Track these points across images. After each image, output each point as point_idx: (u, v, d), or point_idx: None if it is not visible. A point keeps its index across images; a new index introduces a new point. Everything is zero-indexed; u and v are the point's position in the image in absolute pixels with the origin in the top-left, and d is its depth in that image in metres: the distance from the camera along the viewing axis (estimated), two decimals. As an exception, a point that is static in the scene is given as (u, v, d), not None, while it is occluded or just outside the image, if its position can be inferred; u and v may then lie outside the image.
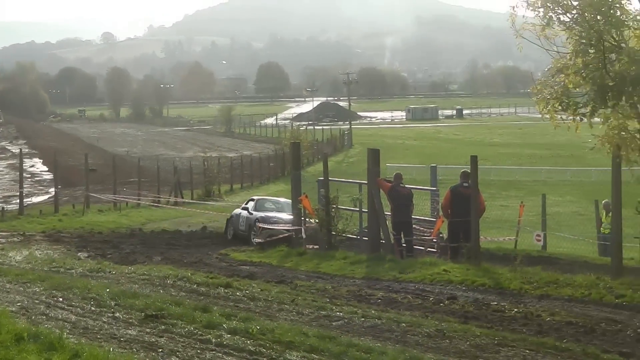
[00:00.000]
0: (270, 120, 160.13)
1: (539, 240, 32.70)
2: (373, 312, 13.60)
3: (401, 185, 23.95)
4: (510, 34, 20.13)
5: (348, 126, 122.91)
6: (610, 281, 17.30)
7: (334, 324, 12.49)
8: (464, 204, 22.40)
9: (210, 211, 39.96)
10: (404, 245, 23.50)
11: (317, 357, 10.01)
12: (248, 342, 10.43)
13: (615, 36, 19.19)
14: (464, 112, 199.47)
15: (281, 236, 26.31)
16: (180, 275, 16.77)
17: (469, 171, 23.31)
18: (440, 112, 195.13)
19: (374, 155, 24.26)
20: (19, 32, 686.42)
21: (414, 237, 24.32)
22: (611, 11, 18.93)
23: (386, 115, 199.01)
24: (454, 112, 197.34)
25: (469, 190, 22.56)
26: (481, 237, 29.79)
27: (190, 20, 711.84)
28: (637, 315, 14.17)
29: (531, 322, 13.46)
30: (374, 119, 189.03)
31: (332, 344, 10.55)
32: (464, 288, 17.16)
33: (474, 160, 21.48)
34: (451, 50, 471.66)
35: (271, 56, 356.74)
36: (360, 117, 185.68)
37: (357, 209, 26.04)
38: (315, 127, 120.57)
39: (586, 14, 18.89)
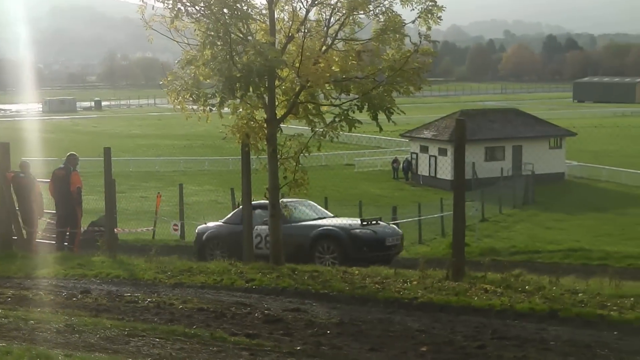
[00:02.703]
0: None
1: (176, 230, 33.19)
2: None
3: (21, 175, 23.55)
4: (143, 25, 20.26)
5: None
6: (242, 266, 17.84)
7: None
8: (59, 185, 23.65)
9: None
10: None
11: None
12: None
13: (242, 29, 19.74)
14: (103, 103, 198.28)
15: None
16: None
17: (74, 154, 23.86)
18: (78, 104, 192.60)
19: (3, 149, 23.62)
20: None
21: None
22: (237, 4, 19.44)
23: (21, 107, 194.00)
24: (93, 104, 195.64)
25: (62, 171, 23.82)
26: (119, 228, 29.89)
27: None
28: (265, 298, 14.70)
29: (163, 311, 13.62)
30: (7, 112, 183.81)
31: None
32: (98, 281, 17.04)
33: (107, 152, 21.40)
34: (89, 41, 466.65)
35: None
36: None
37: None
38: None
39: (213, 7, 19.28)
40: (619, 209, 62.67)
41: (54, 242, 23.84)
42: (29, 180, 23.58)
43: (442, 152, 72.79)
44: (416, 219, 46.86)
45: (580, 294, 14.01)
